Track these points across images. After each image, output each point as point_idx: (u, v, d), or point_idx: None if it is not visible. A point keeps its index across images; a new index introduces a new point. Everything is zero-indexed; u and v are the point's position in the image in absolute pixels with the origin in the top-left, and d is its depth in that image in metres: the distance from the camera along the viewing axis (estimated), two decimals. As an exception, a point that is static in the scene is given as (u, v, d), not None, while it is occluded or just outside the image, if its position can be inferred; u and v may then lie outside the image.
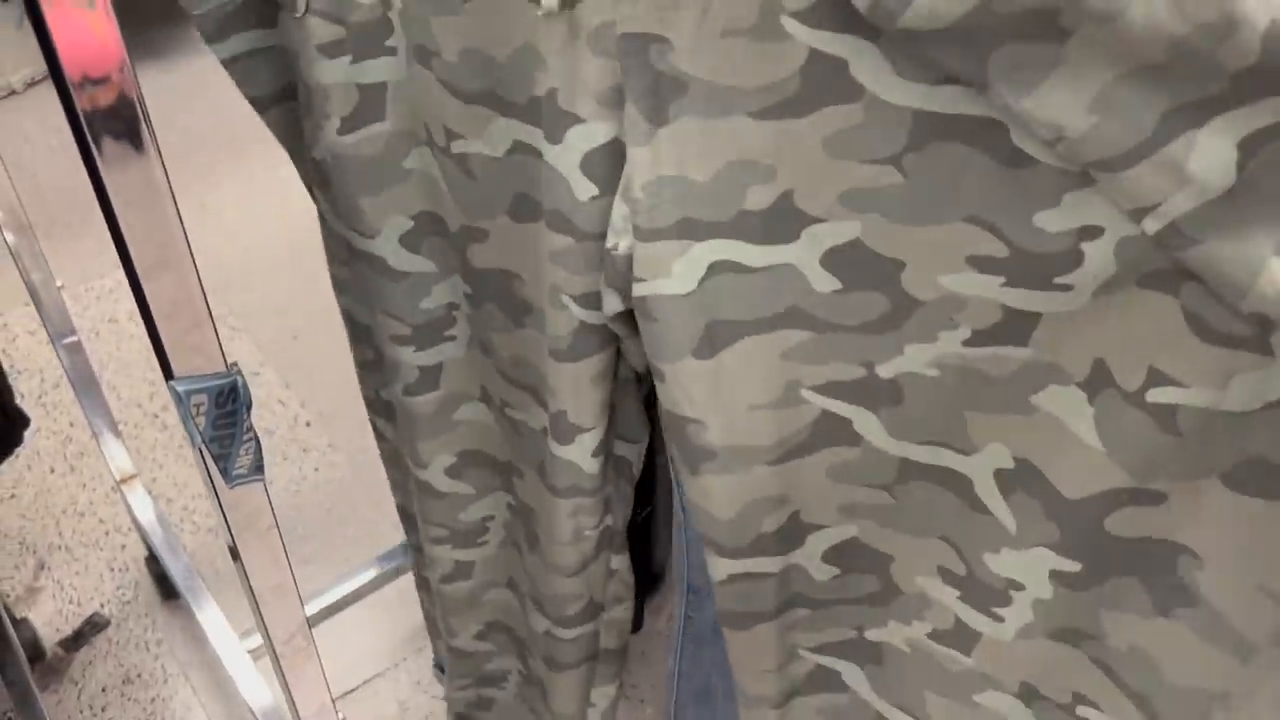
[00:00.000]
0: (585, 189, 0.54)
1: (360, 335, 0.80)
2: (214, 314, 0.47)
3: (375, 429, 0.89)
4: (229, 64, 0.66)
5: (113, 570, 1.38)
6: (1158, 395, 0.45)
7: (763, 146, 0.47)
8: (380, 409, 0.86)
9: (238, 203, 1.87)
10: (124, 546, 1.41)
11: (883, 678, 0.65)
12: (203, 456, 0.49)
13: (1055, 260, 0.44)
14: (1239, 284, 0.39)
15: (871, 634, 0.64)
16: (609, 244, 0.54)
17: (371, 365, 0.80)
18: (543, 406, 0.68)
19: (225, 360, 0.48)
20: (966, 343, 0.49)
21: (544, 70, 0.53)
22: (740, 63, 0.46)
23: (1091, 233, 0.43)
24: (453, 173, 0.62)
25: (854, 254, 0.49)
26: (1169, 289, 0.43)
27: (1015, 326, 0.47)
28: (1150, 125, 0.38)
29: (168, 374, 0.47)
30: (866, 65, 0.43)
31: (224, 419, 0.48)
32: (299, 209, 1.42)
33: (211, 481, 0.50)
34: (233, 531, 0.53)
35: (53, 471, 1.50)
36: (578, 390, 0.63)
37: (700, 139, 0.48)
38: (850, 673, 0.67)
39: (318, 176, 0.68)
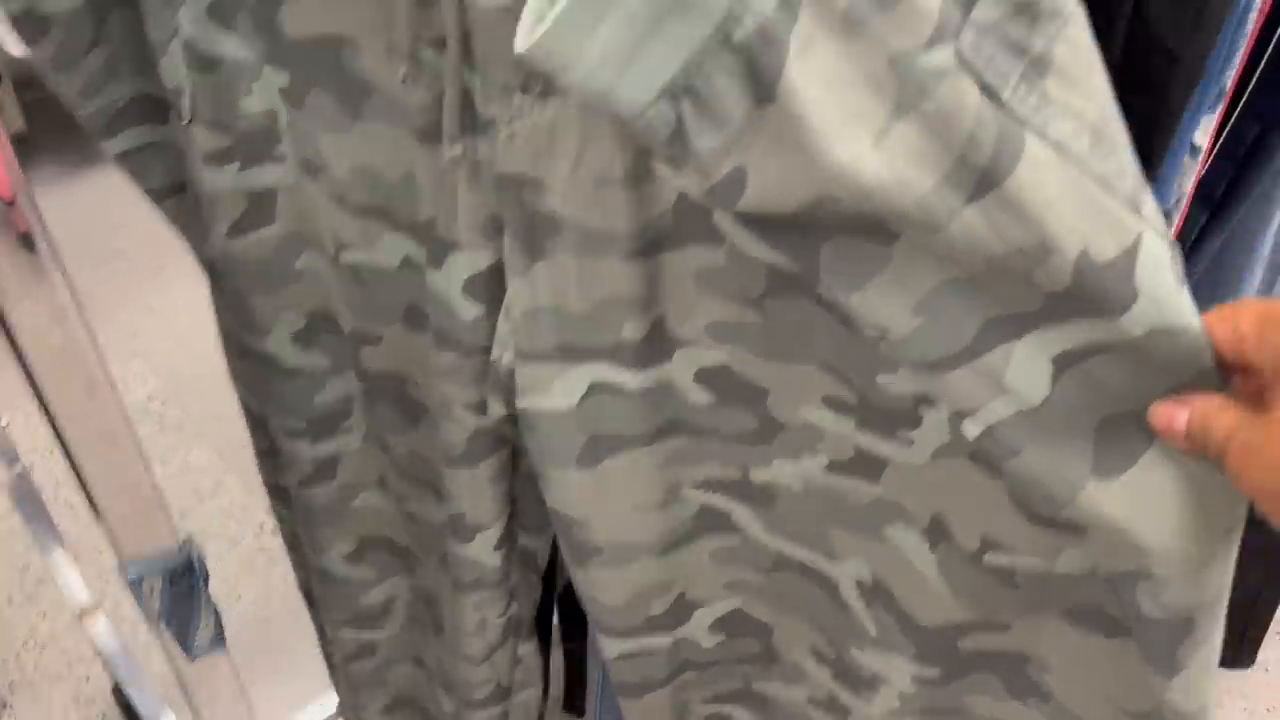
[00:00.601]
0: (469, 310, 0.54)
1: (256, 425, 0.78)
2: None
3: (276, 514, 0.87)
4: (121, 159, 0.65)
5: (78, 703, 1.32)
6: (993, 559, 0.48)
7: (638, 283, 0.49)
8: (278, 495, 0.84)
9: (189, 304, 1.82)
10: (89, 678, 1.35)
11: None
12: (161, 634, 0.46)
13: (898, 416, 0.47)
14: (1057, 497, 0.42)
15: (758, 686, 0.67)
16: (494, 355, 0.55)
17: (268, 454, 0.79)
18: (441, 503, 0.67)
19: (177, 534, 0.45)
20: (826, 469, 0.52)
21: (423, 198, 0.53)
22: (614, 208, 0.46)
23: (928, 400, 0.45)
24: (344, 280, 0.62)
25: (723, 376, 0.52)
26: (994, 473, 0.45)
27: (867, 464, 0.50)
28: (971, 333, 0.41)
29: (118, 552, 0.43)
30: (726, 217, 0.44)
31: (181, 595, 0.45)
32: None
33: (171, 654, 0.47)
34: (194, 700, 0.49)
35: (10, 603, 1.44)
36: (475, 492, 0.62)
37: (576, 275, 0.49)
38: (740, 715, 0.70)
39: (209, 273, 0.67)
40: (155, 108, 0.63)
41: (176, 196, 0.68)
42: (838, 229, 0.40)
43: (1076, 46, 0.37)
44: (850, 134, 0.37)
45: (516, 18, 0.36)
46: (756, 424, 0.52)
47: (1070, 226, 0.37)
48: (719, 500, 0.57)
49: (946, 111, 0.37)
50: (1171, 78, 0.54)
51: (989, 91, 0.37)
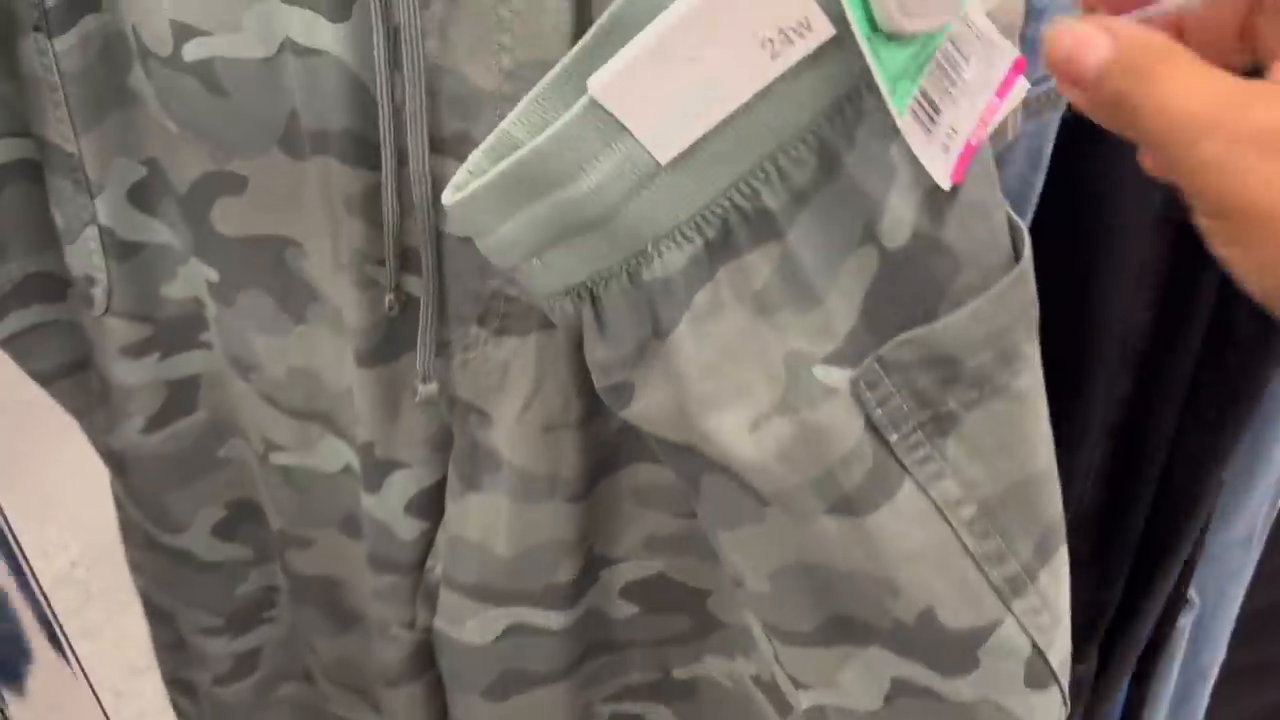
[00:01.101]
0: (410, 529, 0.52)
1: (159, 618, 0.71)
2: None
3: (176, 708, 0.79)
4: (5, 343, 0.57)
5: None
6: None
7: (577, 523, 0.48)
8: (181, 688, 0.76)
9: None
10: None
11: None
12: None
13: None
14: None
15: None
16: (428, 564, 0.53)
17: (173, 648, 0.72)
18: (374, 712, 0.63)
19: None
20: (754, 678, 0.52)
21: (361, 421, 0.49)
22: (562, 452, 0.46)
23: None
24: (273, 481, 0.57)
25: (656, 585, 0.52)
26: None
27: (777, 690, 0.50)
28: (813, 623, 0.41)
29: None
30: None
31: None
32: None
33: None
34: None
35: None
36: (412, 706, 0.58)
37: (508, 518, 0.48)
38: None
39: (113, 462, 0.61)
40: (48, 286, 0.56)
41: (72, 378, 0.60)
42: (720, 468, 0.39)
43: (1000, 421, 0.37)
44: (729, 408, 0.37)
45: (476, 250, 0.37)
46: (691, 624, 0.53)
47: (923, 582, 0.38)
48: (633, 707, 0.56)
49: (826, 428, 0.37)
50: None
51: (875, 430, 0.37)
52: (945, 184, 0.33)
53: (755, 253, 0.35)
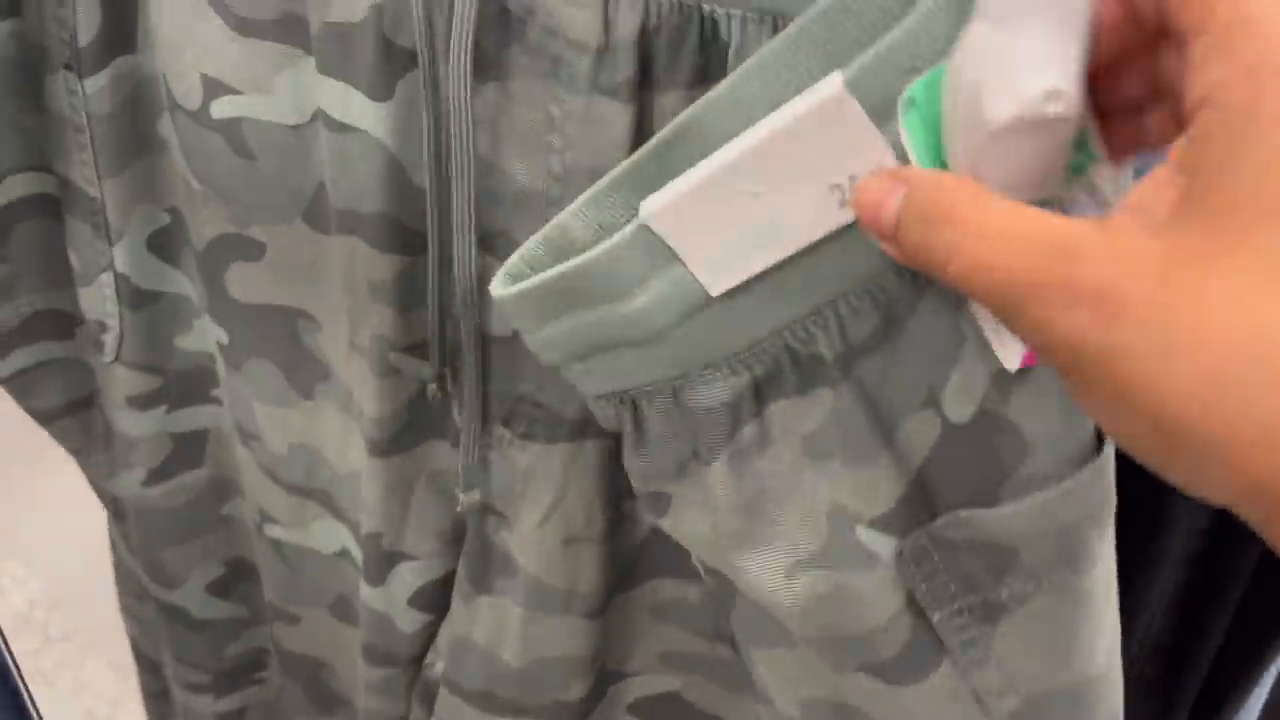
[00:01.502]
0: (412, 622, 0.49)
1: (147, 666, 0.69)
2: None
3: None
4: (7, 381, 0.55)
5: None
6: None
7: (592, 639, 0.46)
8: None
9: (75, 495, 1.66)
10: None
11: None
12: None
13: None
14: None
15: None
16: (428, 660, 0.51)
17: (158, 697, 0.70)
18: None
19: None
20: None
21: (369, 511, 0.47)
22: (580, 566, 0.43)
23: None
24: (265, 552, 0.54)
25: (670, 703, 0.49)
26: None
27: None
28: None
29: None
30: None
31: None
32: None
33: None
34: None
35: None
36: None
37: (520, 626, 0.45)
38: None
39: (111, 507, 0.59)
40: (57, 323, 0.54)
41: (75, 417, 0.58)
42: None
43: (1055, 619, 0.34)
44: (765, 549, 0.35)
45: (515, 349, 0.37)
46: None
47: None
48: None
49: (864, 594, 0.35)
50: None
51: (916, 606, 0.35)
52: (1013, 366, 0.30)
53: (808, 396, 0.33)
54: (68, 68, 0.44)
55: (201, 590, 0.59)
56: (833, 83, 0.27)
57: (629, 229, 0.31)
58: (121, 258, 0.48)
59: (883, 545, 0.34)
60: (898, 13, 0.28)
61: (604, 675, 0.48)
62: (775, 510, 0.34)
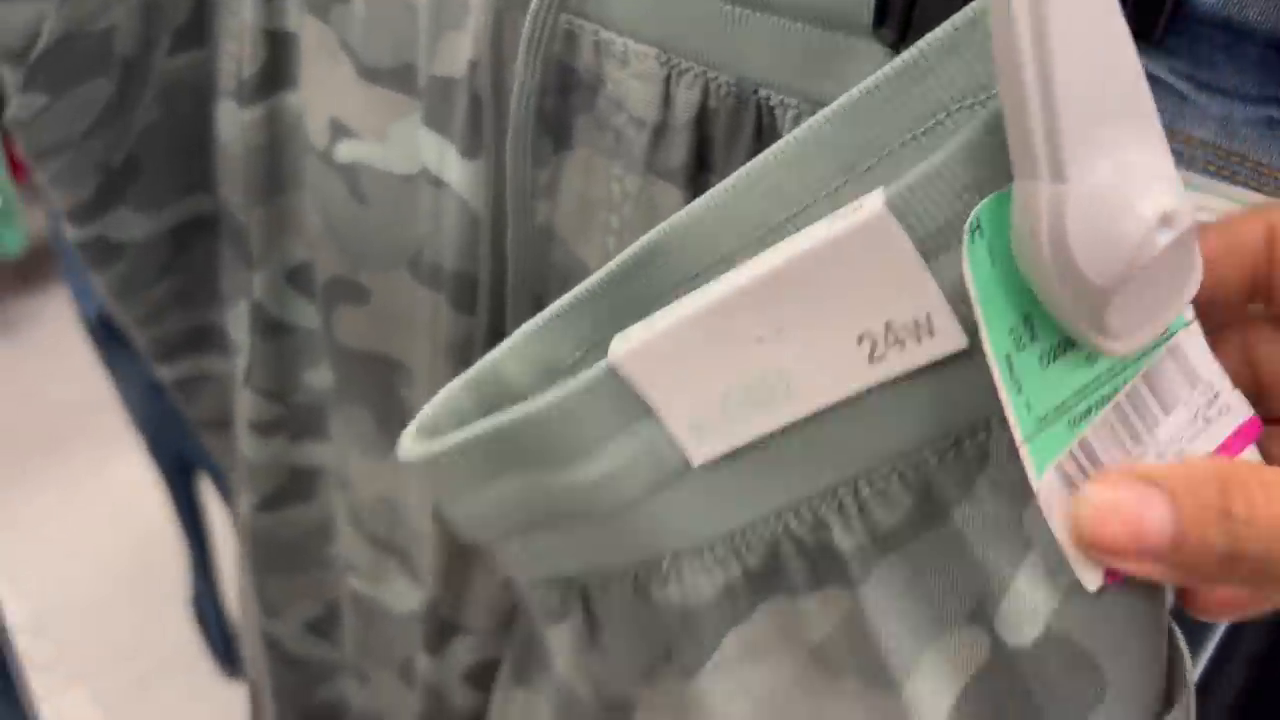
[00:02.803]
0: (466, 698, 0.47)
1: (253, 691, 0.69)
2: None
3: None
4: (172, 385, 0.58)
5: None
6: None
7: None
8: None
9: (61, 517, 1.62)
10: None
11: None
12: None
13: None
14: None
15: None
16: None
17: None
18: None
19: None
20: None
21: (430, 576, 0.46)
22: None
23: None
24: (346, 602, 0.54)
25: None
26: None
27: None
28: None
29: None
30: None
31: None
32: (141, 520, 1.15)
33: None
34: None
35: None
36: None
37: None
38: None
39: (237, 528, 0.59)
40: (219, 339, 0.57)
41: (222, 432, 0.60)
42: None
43: None
44: None
45: None
46: None
47: None
48: None
49: None
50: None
51: None
52: (1093, 583, 0.23)
53: (813, 598, 0.27)
54: (231, 96, 0.45)
55: (300, 626, 0.58)
56: (873, 202, 0.22)
57: (592, 373, 0.25)
58: (260, 286, 0.49)
59: None
60: (953, 116, 0.23)
61: None
62: None
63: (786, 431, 0.24)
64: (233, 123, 0.46)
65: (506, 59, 0.34)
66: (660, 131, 0.31)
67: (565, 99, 0.33)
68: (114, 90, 0.45)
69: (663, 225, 0.25)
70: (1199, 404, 0.24)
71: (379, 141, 0.40)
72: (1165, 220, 0.19)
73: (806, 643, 0.27)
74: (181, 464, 0.85)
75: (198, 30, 0.46)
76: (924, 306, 0.22)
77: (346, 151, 0.41)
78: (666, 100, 0.30)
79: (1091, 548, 0.22)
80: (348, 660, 0.57)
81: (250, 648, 0.64)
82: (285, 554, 0.56)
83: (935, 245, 0.22)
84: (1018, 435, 0.22)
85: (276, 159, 0.46)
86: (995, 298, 0.21)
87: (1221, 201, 0.24)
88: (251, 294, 0.49)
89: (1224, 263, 0.23)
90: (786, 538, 0.26)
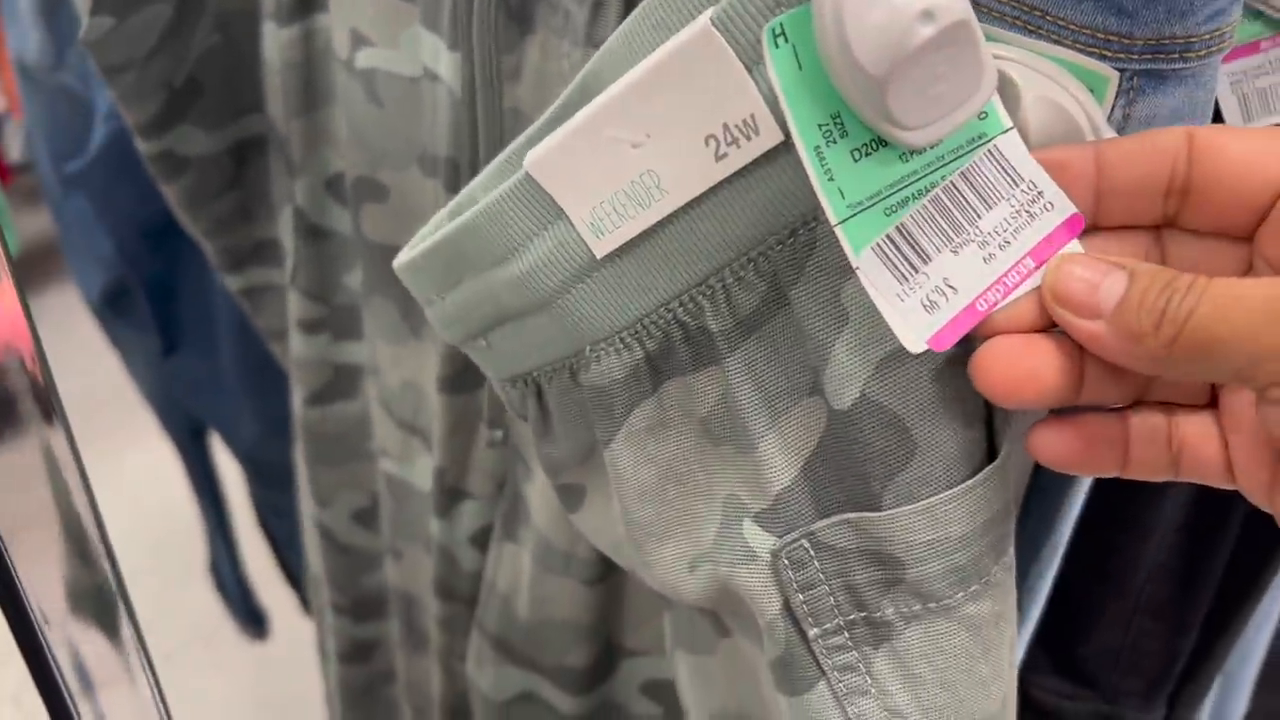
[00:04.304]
0: (472, 560, 0.51)
1: (313, 579, 0.72)
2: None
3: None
4: (242, 293, 0.64)
5: None
6: None
7: (592, 610, 0.46)
8: (322, 649, 0.75)
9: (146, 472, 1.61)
10: None
11: None
12: None
13: None
14: None
15: None
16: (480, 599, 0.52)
17: (318, 611, 0.73)
18: None
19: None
20: None
21: (435, 446, 0.49)
22: (577, 532, 0.44)
23: None
24: (380, 487, 0.58)
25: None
26: None
27: None
28: None
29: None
30: None
31: None
32: (158, 506, 1.15)
33: None
34: None
35: None
36: None
37: (530, 580, 0.47)
38: None
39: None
40: (281, 251, 0.62)
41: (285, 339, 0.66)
42: None
43: (943, 647, 0.30)
44: (670, 540, 0.33)
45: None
46: None
47: None
48: None
49: (744, 588, 0.31)
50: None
51: (792, 617, 0.30)
52: (916, 347, 0.26)
53: (701, 374, 0.31)
54: (272, 18, 0.51)
55: (347, 516, 0.63)
56: (701, 19, 0.25)
57: (512, 180, 0.29)
58: (301, 193, 0.54)
59: (762, 544, 0.31)
60: None
61: (613, 649, 0.48)
62: (678, 495, 0.32)
63: (664, 228, 0.28)
64: (274, 43, 0.51)
65: None
66: (597, 6, 0.35)
67: None
68: (172, 14, 0.51)
69: (590, 63, 0.29)
70: (1022, 200, 0.26)
71: (392, 47, 0.44)
72: (927, 14, 0.23)
73: (697, 415, 0.31)
74: (193, 429, 0.86)
75: None
76: (749, 108, 0.26)
77: (365, 59, 0.45)
78: None
79: (1055, 299, 0.26)
80: (385, 544, 0.62)
81: (309, 538, 0.69)
82: (333, 447, 0.61)
83: (755, 55, 0.25)
84: (831, 218, 0.25)
85: (313, 75, 0.50)
86: (803, 97, 0.25)
87: (1023, 53, 0.27)
88: (295, 201, 0.54)
89: (1145, 160, 0.26)
90: (674, 324, 0.30)
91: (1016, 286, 0.27)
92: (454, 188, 0.43)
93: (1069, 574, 0.47)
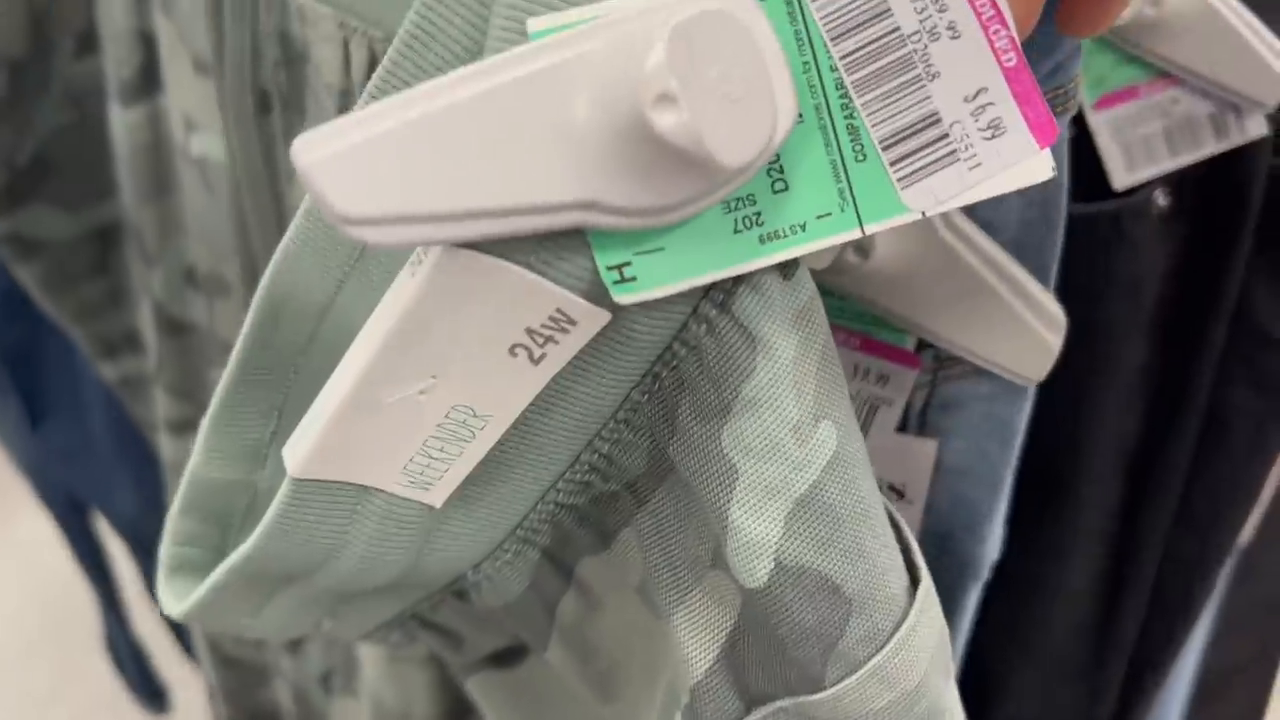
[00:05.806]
0: (322, 700, 0.49)
1: None
2: None
3: None
4: (118, 384, 0.59)
5: None
6: None
7: None
8: None
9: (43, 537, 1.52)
10: None
11: None
12: None
13: None
14: None
15: None
16: None
17: None
18: None
19: None
20: None
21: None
22: (409, 686, 0.41)
23: None
24: None
25: None
26: None
27: None
28: None
29: None
30: None
31: None
32: (51, 577, 1.11)
33: None
34: None
35: None
36: None
37: None
38: None
39: None
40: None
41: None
42: None
43: None
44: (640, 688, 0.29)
45: None
46: None
47: None
48: None
49: None
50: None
51: None
52: (1046, 168, 0.21)
53: (616, 544, 0.26)
54: (118, 100, 0.46)
55: None
56: (434, 253, 0.20)
57: (284, 491, 0.23)
58: (158, 285, 0.49)
59: None
60: None
61: None
62: (645, 646, 0.28)
63: (505, 443, 0.24)
64: (121, 124, 0.46)
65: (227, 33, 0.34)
66: (346, 95, 0.31)
67: (290, 68, 0.33)
68: (4, 89, 0.46)
69: (263, 281, 0.25)
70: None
71: (219, 132, 0.40)
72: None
73: (631, 585, 0.27)
74: (74, 504, 0.81)
75: (96, 34, 0.46)
76: (550, 304, 0.21)
77: (196, 145, 0.42)
78: (347, 63, 0.30)
79: None
80: (270, 661, 0.57)
81: (199, 650, 0.65)
82: None
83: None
84: (857, 230, 0.21)
85: (162, 159, 0.46)
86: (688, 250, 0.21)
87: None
88: (152, 293, 0.50)
89: None
90: (562, 511, 0.26)
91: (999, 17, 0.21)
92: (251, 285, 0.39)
93: (981, 641, 0.46)
